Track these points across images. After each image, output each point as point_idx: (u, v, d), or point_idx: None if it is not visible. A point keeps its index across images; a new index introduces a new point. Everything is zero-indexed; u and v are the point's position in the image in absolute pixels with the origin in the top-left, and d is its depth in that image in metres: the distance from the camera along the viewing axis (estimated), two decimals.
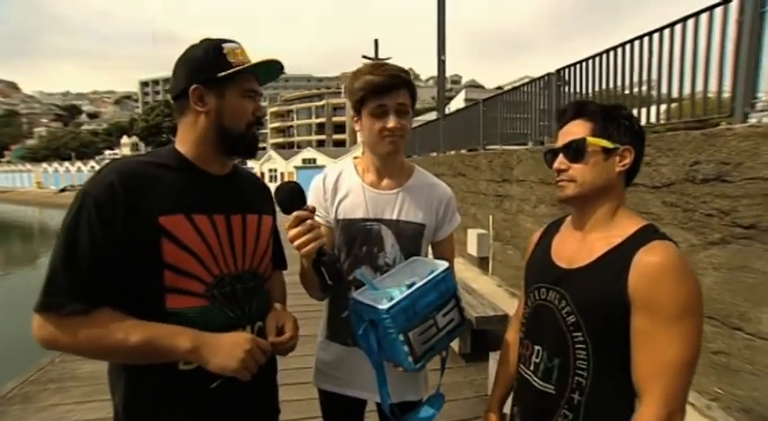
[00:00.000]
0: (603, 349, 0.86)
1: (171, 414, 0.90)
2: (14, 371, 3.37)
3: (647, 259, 0.81)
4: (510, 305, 4.35)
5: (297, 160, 29.94)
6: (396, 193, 1.23)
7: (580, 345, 0.88)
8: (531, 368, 0.97)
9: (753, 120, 2.27)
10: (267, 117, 66.39)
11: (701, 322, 0.81)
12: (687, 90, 2.69)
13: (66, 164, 56.72)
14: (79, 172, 52.03)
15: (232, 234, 0.97)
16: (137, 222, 0.83)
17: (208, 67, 0.92)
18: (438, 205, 1.26)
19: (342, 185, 1.24)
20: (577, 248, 0.95)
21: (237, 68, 0.92)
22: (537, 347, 0.97)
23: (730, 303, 2.14)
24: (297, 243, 0.95)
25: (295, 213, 0.95)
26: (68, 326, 0.79)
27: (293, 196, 0.98)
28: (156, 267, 0.85)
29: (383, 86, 1.11)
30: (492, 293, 4.58)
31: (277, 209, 1.10)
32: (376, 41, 19.27)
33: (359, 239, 1.20)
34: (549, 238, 1.06)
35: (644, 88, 3.17)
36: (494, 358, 2.68)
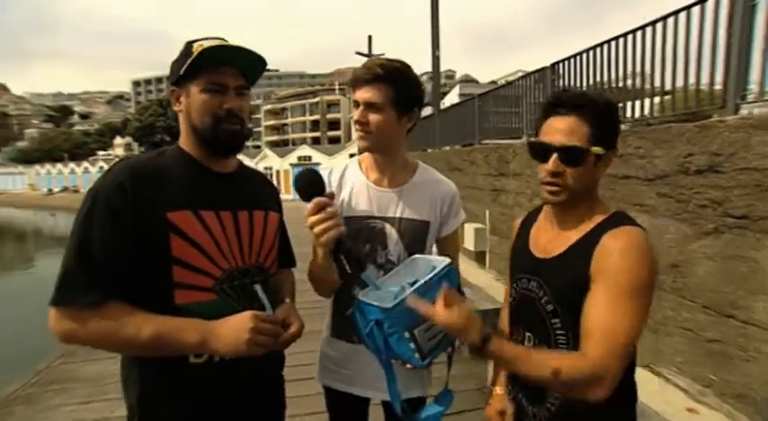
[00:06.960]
0: (578, 334, 0.87)
1: (182, 407, 0.91)
2: (15, 372, 3.38)
3: (609, 242, 0.85)
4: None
5: (292, 158, 29.61)
6: (399, 191, 1.23)
7: (559, 331, 0.92)
8: None
9: (744, 112, 2.31)
10: (261, 115, 65.98)
11: (647, 303, 0.83)
12: (680, 82, 2.72)
13: (59, 165, 56.18)
14: (72, 173, 51.49)
15: (239, 229, 0.98)
16: (145, 219, 0.85)
17: (178, 67, 0.93)
18: (442, 202, 1.26)
19: (346, 182, 1.24)
20: (552, 238, 0.98)
21: (189, 61, 0.89)
22: (528, 333, 1.01)
23: (724, 292, 2.18)
24: (317, 230, 0.95)
25: (315, 200, 0.96)
26: (83, 318, 0.82)
27: (312, 183, 0.98)
28: (164, 262, 0.87)
29: (354, 80, 1.12)
30: (489, 286, 4.61)
31: (294, 202, 1.11)
32: (369, 38, 19.16)
33: (362, 237, 1.20)
34: (528, 228, 1.08)
35: (637, 81, 3.20)
36: None
